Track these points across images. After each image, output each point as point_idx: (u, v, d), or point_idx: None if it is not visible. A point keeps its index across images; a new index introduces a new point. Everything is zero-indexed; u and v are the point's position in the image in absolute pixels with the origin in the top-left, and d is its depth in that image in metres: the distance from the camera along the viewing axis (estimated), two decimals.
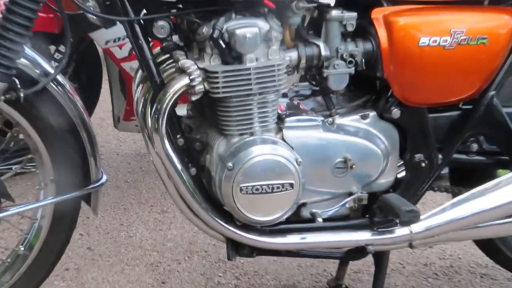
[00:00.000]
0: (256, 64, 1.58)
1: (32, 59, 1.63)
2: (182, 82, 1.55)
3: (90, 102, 2.83)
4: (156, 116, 1.58)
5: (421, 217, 1.76)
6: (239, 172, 1.58)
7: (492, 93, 1.81)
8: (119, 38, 2.37)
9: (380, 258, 1.91)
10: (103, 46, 2.45)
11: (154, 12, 1.59)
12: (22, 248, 1.82)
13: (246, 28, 1.55)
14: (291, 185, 1.62)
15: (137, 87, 1.74)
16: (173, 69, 1.61)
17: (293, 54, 1.66)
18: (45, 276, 1.86)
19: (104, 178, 1.80)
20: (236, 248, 1.74)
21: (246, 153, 1.59)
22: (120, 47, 2.40)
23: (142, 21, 1.60)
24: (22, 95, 1.57)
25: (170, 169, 1.64)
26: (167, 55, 1.66)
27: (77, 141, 1.73)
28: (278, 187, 1.62)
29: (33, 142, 1.70)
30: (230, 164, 1.59)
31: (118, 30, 2.21)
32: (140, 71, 1.69)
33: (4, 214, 1.71)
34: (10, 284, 1.80)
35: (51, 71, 1.64)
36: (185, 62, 1.57)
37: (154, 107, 1.59)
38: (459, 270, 2.32)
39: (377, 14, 1.69)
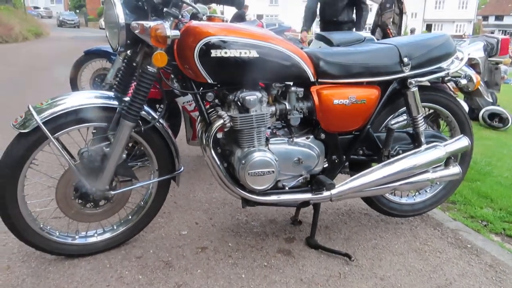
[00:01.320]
0: (256, 113, 1.55)
1: (160, 111, 1.62)
2: (220, 122, 1.54)
3: (175, 132, 2.80)
4: (207, 138, 1.56)
5: (336, 186, 1.73)
6: (248, 165, 1.56)
7: (368, 126, 1.79)
8: (189, 100, 2.36)
9: (316, 206, 1.88)
10: (181, 104, 2.43)
11: (207, 88, 1.57)
12: (142, 203, 1.80)
13: (250, 96, 1.53)
14: (273, 171, 1.59)
15: (198, 124, 1.71)
16: (216, 115, 1.57)
17: (273, 108, 1.64)
18: (153, 216, 1.83)
19: (182, 168, 1.76)
20: (246, 202, 1.71)
21: (251, 156, 1.56)
22: (190, 105, 2.38)
23: (200, 93, 1.58)
24: (142, 129, 1.56)
25: (214, 164, 1.61)
26: (212, 109, 1.62)
27: (169, 150, 1.70)
28: (266, 172, 1.58)
29: (148, 151, 1.68)
30: (243, 162, 1.56)
31: (189, 96, 2.20)
32: (200, 117, 1.67)
33: (135, 186, 1.69)
34: (136, 221, 1.78)
35: (156, 117, 1.63)
36: (221, 113, 1.55)
37: (207, 134, 1.57)
38: (354, 211, 2.28)
39: (313, 89, 1.66)
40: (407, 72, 1.74)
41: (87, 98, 1.51)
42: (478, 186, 2.85)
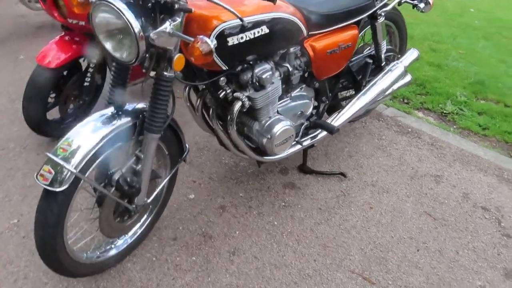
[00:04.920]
0: (270, 88, 1.55)
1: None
2: (239, 105, 1.51)
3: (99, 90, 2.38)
4: (231, 122, 1.55)
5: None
6: (274, 139, 1.61)
7: (349, 63, 1.94)
8: None
9: (305, 149, 2.04)
10: None
11: (217, 75, 1.47)
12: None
13: (266, 73, 1.52)
14: (293, 135, 1.70)
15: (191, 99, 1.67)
16: (231, 97, 1.53)
17: (277, 74, 1.64)
18: (169, 196, 1.80)
19: (188, 147, 1.68)
20: (261, 163, 1.83)
21: (274, 130, 1.61)
22: None
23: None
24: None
25: (237, 140, 1.64)
26: (222, 90, 1.53)
27: (177, 138, 1.63)
28: (289, 138, 1.69)
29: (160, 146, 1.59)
30: (268, 136, 1.61)
31: None
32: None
33: (162, 184, 1.62)
34: (157, 208, 1.75)
35: (169, 114, 1.48)
36: (238, 94, 1.52)
37: (229, 117, 1.55)
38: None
39: (307, 43, 1.69)
40: (378, 5, 1.87)
41: (101, 128, 1.29)
42: None
